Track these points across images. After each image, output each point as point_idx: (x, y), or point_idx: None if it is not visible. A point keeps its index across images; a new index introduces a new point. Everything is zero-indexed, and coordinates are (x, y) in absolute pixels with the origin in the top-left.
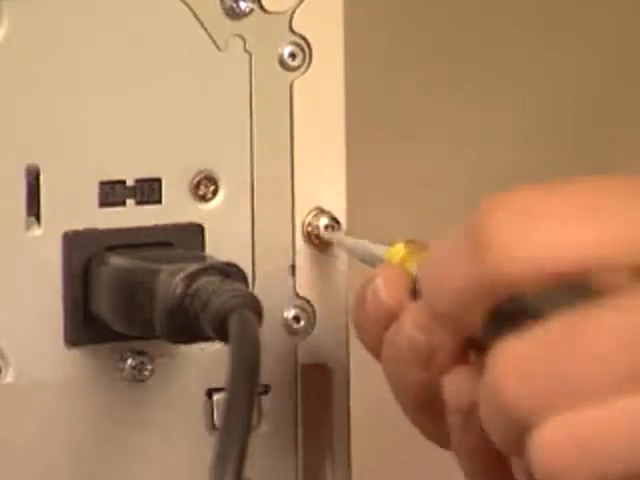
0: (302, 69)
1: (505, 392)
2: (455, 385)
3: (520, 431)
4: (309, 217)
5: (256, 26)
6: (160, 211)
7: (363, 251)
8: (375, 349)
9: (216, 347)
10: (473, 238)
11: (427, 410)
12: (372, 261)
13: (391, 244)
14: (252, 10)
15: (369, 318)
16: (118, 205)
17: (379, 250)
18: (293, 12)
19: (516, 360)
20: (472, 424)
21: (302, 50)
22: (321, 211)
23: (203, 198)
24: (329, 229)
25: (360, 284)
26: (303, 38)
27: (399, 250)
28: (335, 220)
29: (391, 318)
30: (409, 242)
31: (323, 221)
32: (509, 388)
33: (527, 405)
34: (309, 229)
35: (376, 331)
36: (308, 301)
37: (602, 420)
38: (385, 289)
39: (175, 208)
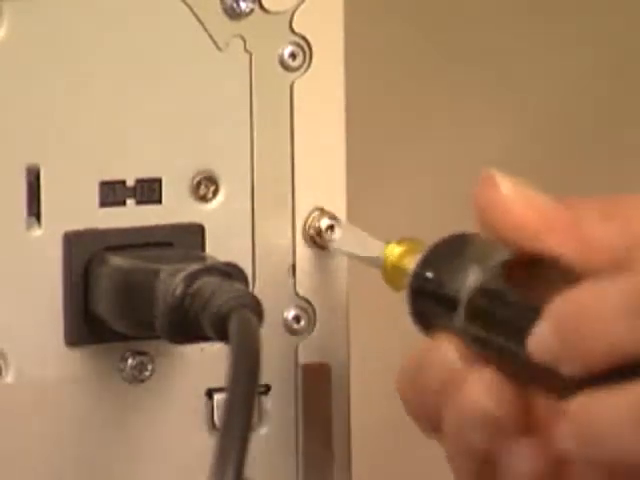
0: (302, 69)
1: None
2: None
3: None
4: (310, 219)
5: (256, 26)
6: (160, 211)
7: (361, 250)
8: (431, 418)
9: (216, 347)
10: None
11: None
12: (370, 260)
13: (387, 243)
14: (252, 10)
15: (429, 386)
16: (118, 205)
17: (376, 249)
18: (293, 12)
19: None
20: None
21: (302, 50)
22: (322, 212)
23: (203, 198)
24: (330, 230)
25: (411, 356)
26: (303, 38)
27: (394, 248)
28: (336, 220)
29: (453, 384)
30: (404, 240)
31: (324, 222)
32: None
33: None
34: (311, 232)
35: (436, 399)
36: (308, 301)
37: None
38: (452, 355)
39: (175, 208)
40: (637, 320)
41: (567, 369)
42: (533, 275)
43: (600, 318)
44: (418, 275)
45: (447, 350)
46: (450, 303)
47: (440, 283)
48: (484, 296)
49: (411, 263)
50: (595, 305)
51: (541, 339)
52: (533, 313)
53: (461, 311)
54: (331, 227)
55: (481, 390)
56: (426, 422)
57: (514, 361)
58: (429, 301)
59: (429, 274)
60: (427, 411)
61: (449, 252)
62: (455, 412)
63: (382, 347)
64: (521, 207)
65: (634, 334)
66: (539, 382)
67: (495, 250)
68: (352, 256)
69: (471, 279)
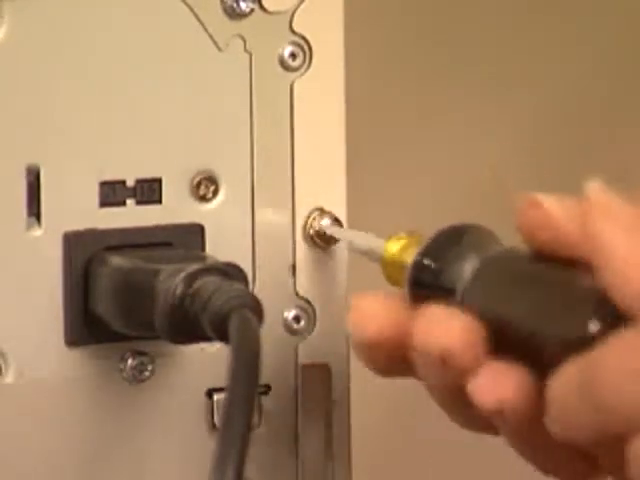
0: (302, 69)
1: (610, 393)
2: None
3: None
4: (310, 219)
5: (256, 26)
6: (160, 211)
7: (363, 245)
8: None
9: (216, 347)
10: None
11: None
12: (372, 255)
13: (388, 238)
14: (252, 10)
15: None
16: (118, 205)
17: (377, 244)
18: (293, 12)
19: (625, 361)
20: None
21: (302, 50)
22: (322, 212)
23: (203, 198)
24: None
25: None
26: (303, 38)
27: (394, 243)
28: (336, 220)
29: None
30: (404, 234)
31: (325, 222)
32: (615, 389)
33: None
34: (311, 232)
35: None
36: (308, 301)
37: None
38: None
39: (175, 208)
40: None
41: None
42: (532, 264)
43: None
44: (417, 264)
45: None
46: (448, 292)
47: (439, 272)
48: (481, 285)
49: (410, 256)
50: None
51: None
52: (527, 302)
53: (459, 300)
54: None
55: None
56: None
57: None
58: (428, 291)
59: (428, 263)
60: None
61: (448, 242)
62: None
63: None
64: (565, 220)
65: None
66: (529, 364)
67: (494, 240)
68: (353, 248)
69: (469, 268)
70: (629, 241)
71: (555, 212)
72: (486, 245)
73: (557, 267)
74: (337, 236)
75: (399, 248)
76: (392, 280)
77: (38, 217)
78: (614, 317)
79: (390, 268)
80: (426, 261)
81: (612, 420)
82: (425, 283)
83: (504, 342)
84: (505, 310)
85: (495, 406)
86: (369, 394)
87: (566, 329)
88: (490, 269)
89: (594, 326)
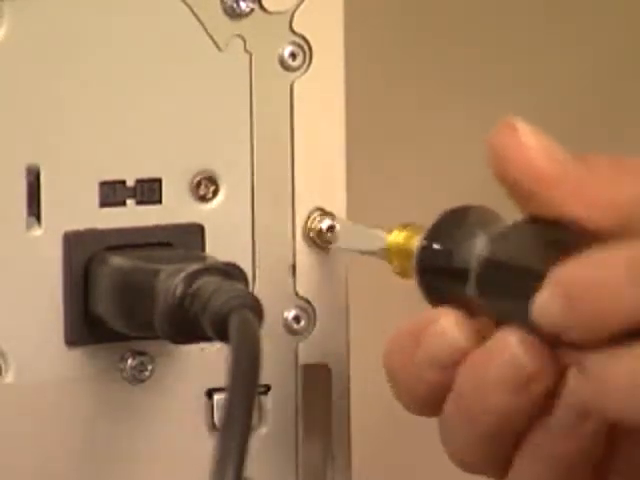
0: (302, 69)
1: None
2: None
3: None
4: (310, 219)
5: (256, 26)
6: (160, 211)
7: (364, 244)
8: (431, 391)
9: (216, 347)
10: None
11: (498, 439)
12: (374, 252)
13: (388, 231)
14: (252, 10)
15: (430, 359)
16: (118, 205)
17: (378, 239)
18: (293, 12)
19: None
20: None
21: (302, 50)
22: (322, 212)
23: (203, 198)
24: (330, 230)
25: (405, 330)
26: (303, 38)
27: (398, 234)
28: (336, 220)
29: (461, 357)
30: (406, 225)
31: (325, 222)
32: None
33: None
34: (311, 232)
35: (437, 372)
36: (308, 301)
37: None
38: (457, 329)
39: (175, 208)
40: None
41: (571, 336)
42: (541, 239)
43: (604, 287)
44: (425, 249)
45: (453, 329)
46: (460, 273)
47: (448, 254)
48: (493, 263)
49: (416, 243)
50: (598, 274)
51: (544, 306)
52: (540, 278)
53: (472, 280)
54: (331, 227)
55: (514, 344)
56: (422, 397)
57: (530, 328)
58: (439, 275)
59: (436, 246)
60: (427, 387)
61: (453, 224)
62: (476, 374)
63: (382, 347)
64: (541, 156)
65: (636, 304)
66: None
67: (498, 218)
68: (355, 251)
69: (479, 246)
70: None
71: (529, 142)
72: (491, 223)
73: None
74: (341, 230)
75: (404, 237)
76: (401, 271)
77: (38, 217)
78: None
79: (397, 258)
80: (434, 244)
81: None
82: (435, 266)
83: (523, 310)
84: (524, 282)
85: None
86: (369, 394)
87: None
88: (504, 242)
89: None
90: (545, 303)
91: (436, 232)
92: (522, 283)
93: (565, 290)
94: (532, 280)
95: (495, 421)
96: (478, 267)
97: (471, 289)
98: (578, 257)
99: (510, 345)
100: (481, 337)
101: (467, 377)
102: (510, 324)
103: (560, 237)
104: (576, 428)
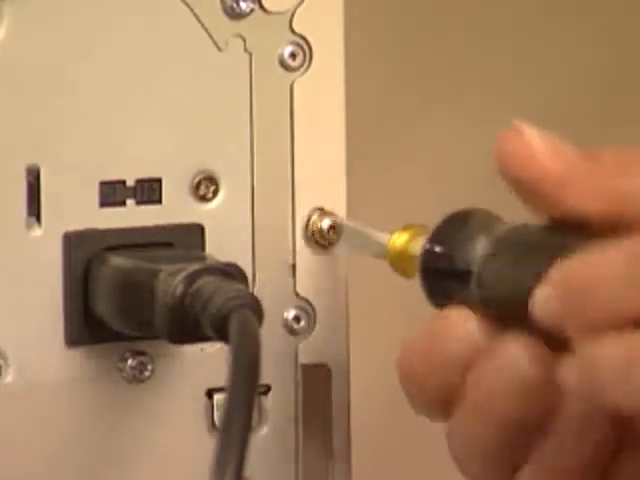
0: (302, 69)
1: None
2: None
3: None
4: (310, 219)
5: (256, 26)
6: (160, 211)
7: (366, 244)
8: (446, 395)
9: (216, 347)
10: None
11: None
12: (376, 252)
13: (389, 233)
14: (252, 10)
15: (443, 360)
16: (118, 205)
17: (380, 240)
18: (293, 12)
19: None
20: None
21: (302, 50)
22: (322, 212)
23: (203, 198)
24: (331, 230)
25: (421, 332)
26: (303, 38)
27: (399, 236)
28: (336, 220)
29: (475, 357)
30: (408, 227)
31: (325, 222)
32: None
33: None
34: (311, 232)
35: (451, 373)
36: (308, 301)
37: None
38: (467, 326)
39: (175, 208)
40: (637, 288)
41: (570, 332)
42: (545, 238)
43: (602, 284)
44: (428, 252)
45: (466, 322)
46: (464, 275)
47: (451, 257)
48: (496, 263)
49: (418, 246)
50: (597, 271)
51: (544, 302)
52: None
53: (475, 282)
54: (332, 227)
55: (519, 352)
56: (438, 401)
57: (531, 328)
58: (442, 277)
59: (439, 249)
60: (442, 388)
61: (456, 226)
62: (487, 380)
63: (382, 347)
64: (548, 155)
65: (634, 302)
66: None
67: (500, 220)
68: (357, 251)
69: (481, 249)
70: None
71: (535, 142)
72: (493, 225)
73: (572, 233)
74: (342, 231)
75: (406, 239)
76: (402, 272)
77: (38, 217)
78: None
79: (399, 260)
80: (437, 247)
81: None
82: (438, 269)
83: (524, 311)
84: (525, 282)
85: None
86: (369, 394)
87: None
88: (505, 243)
89: None
90: (545, 298)
91: (439, 235)
92: (523, 284)
93: (565, 286)
94: (533, 281)
95: (501, 430)
96: (480, 269)
97: (473, 290)
98: (578, 255)
99: (513, 353)
100: (496, 335)
101: (473, 385)
102: (511, 325)
103: (560, 239)
104: (581, 438)
